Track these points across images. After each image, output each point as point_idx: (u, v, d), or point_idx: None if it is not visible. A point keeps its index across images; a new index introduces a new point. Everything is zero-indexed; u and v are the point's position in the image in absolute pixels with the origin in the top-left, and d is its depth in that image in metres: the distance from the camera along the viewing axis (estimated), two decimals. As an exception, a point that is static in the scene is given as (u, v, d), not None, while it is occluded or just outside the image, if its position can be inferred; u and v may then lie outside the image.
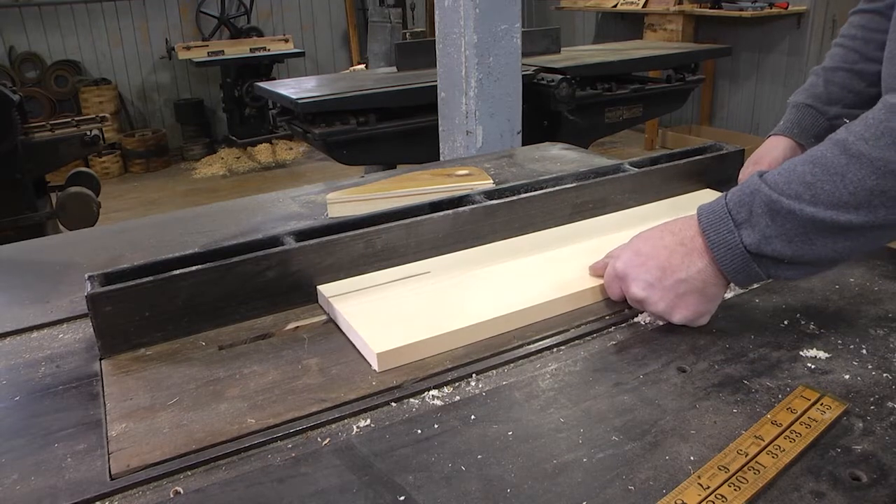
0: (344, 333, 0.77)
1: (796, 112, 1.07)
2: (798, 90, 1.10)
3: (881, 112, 0.63)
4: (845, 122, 1.04)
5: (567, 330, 0.76)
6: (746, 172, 1.06)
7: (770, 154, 1.06)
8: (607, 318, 0.78)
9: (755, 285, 0.82)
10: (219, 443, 0.59)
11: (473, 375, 0.69)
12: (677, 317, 0.74)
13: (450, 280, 0.85)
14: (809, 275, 0.70)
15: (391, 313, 0.77)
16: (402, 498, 0.52)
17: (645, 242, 0.76)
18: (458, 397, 0.65)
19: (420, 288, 0.84)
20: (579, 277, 0.84)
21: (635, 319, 0.78)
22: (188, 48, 5.69)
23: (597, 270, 0.84)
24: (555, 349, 0.73)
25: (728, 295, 0.82)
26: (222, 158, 5.91)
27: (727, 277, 0.71)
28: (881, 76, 0.94)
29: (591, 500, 0.51)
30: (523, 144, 2.18)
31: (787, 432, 0.57)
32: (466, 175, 1.23)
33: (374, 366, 0.70)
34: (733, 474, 0.52)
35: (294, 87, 2.91)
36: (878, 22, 1.03)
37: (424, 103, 2.62)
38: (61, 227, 3.23)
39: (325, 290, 0.83)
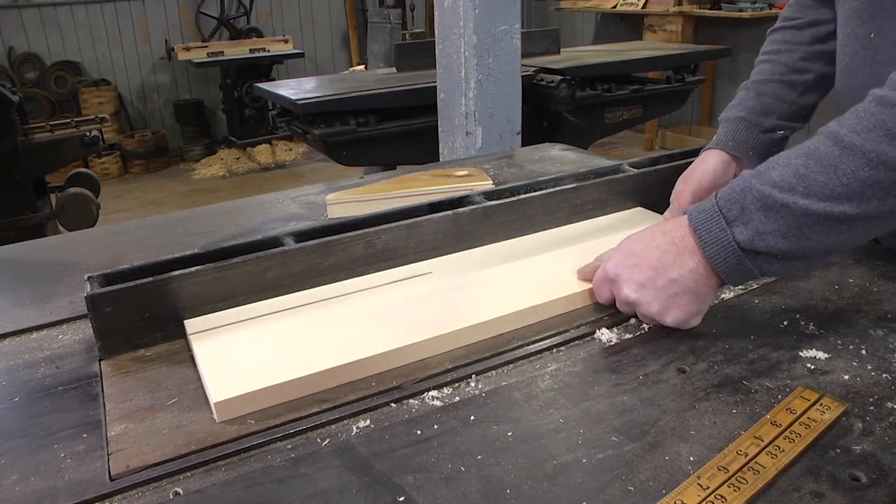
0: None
1: (730, 125, 1.04)
2: (729, 106, 1.07)
3: (871, 104, 0.64)
4: (780, 133, 1.03)
5: (567, 330, 0.76)
6: (677, 190, 0.99)
7: (700, 167, 1.01)
8: (606, 318, 0.78)
9: (754, 285, 0.82)
10: (219, 443, 0.59)
11: (473, 376, 0.69)
12: (670, 318, 0.73)
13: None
14: (799, 270, 0.70)
15: (261, 351, 0.70)
16: (401, 498, 0.52)
17: (636, 243, 0.76)
18: (457, 398, 0.65)
19: (308, 317, 0.76)
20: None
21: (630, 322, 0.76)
22: (188, 49, 5.70)
23: (585, 274, 0.82)
24: (554, 349, 0.73)
25: (728, 295, 0.82)
26: (222, 159, 5.91)
27: (719, 276, 0.71)
28: (836, 84, 0.95)
29: (591, 500, 0.51)
30: (523, 145, 2.18)
31: (786, 433, 0.57)
32: (466, 176, 1.23)
33: (215, 415, 0.62)
34: (733, 475, 0.52)
35: (294, 88, 2.91)
36: (798, 36, 1.05)
37: (424, 104, 2.62)
38: (61, 227, 3.23)
39: (190, 325, 0.75)
